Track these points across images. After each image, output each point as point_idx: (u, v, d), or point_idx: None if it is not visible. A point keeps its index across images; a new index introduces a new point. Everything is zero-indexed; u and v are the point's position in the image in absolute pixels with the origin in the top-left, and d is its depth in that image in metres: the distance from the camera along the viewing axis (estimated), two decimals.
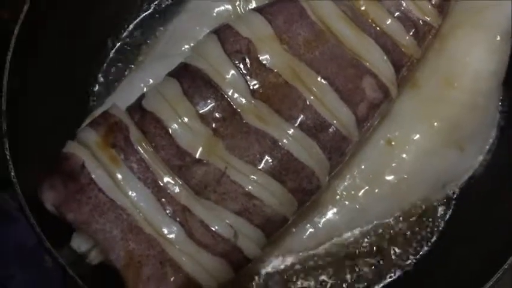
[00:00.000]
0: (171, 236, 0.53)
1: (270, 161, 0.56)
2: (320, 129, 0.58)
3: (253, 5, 0.72)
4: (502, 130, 0.69)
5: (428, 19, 0.62)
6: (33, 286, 0.68)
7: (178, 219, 0.54)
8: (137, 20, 0.75)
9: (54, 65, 0.66)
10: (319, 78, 0.58)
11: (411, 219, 0.67)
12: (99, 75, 0.73)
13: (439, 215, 0.68)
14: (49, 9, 0.64)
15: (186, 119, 0.56)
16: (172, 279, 0.52)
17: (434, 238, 0.67)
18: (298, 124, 0.57)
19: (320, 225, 0.66)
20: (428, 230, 0.67)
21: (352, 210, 0.66)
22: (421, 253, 0.67)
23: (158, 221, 0.53)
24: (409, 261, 0.67)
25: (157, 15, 0.75)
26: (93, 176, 0.54)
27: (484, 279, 0.54)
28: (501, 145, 0.68)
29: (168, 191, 0.54)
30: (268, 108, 0.57)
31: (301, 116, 0.57)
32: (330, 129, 0.58)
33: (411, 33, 0.61)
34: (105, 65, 0.73)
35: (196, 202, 0.54)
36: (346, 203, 0.66)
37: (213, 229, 0.53)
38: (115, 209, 0.53)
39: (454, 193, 0.68)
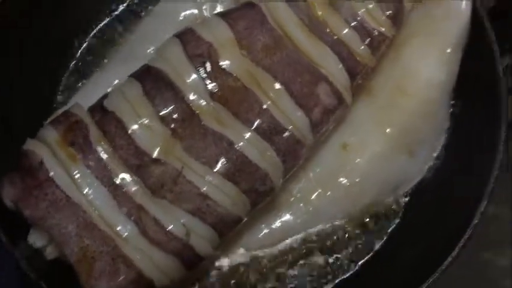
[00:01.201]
0: (125, 233, 0.53)
1: (225, 162, 0.56)
2: (275, 132, 0.58)
3: (219, 9, 0.72)
4: (451, 137, 0.69)
5: (383, 30, 0.62)
6: None
7: (132, 217, 0.54)
8: (104, 22, 0.74)
9: (21, 64, 0.67)
10: (275, 83, 0.59)
11: (363, 221, 0.68)
12: (65, 76, 0.72)
13: (389, 217, 0.69)
14: (15, 10, 0.64)
15: (145, 120, 0.56)
16: (124, 274, 0.52)
17: (384, 239, 0.68)
18: (254, 127, 0.57)
19: (275, 226, 0.66)
20: (379, 231, 0.68)
21: (307, 212, 0.66)
22: (371, 254, 0.67)
23: (113, 218, 0.53)
24: (360, 261, 0.67)
25: (124, 18, 0.74)
26: (50, 173, 0.54)
27: (421, 280, 0.55)
28: (449, 151, 0.69)
29: (124, 189, 0.55)
30: (226, 111, 0.58)
31: (257, 120, 0.58)
32: (285, 133, 0.58)
33: (366, 43, 0.62)
34: (71, 65, 0.72)
35: (152, 201, 0.54)
36: (301, 204, 0.66)
37: (166, 228, 0.54)
38: (71, 205, 0.53)
39: (404, 196, 0.69)
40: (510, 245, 0.78)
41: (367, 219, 0.68)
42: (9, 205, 0.54)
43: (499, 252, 0.78)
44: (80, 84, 0.72)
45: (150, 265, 0.53)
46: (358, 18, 0.62)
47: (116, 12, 0.75)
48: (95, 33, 0.74)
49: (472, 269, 0.76)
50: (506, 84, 0.63)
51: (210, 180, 0.55)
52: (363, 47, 0.62)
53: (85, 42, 0.74)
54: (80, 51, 0.73)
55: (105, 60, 0.73)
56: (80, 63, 0.73)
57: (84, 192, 0.54)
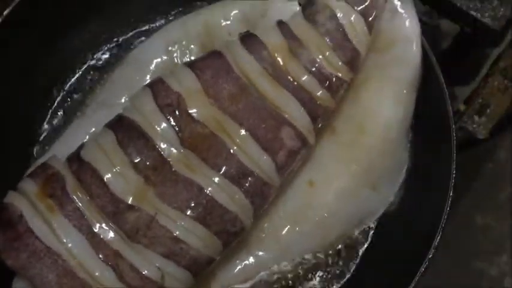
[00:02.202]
0: (103, 279, 0.55)
1: (196, 207, 0.59)
2: (243, 176, 0.61)
3: (188, 57, 0.75)
4: (409, 170, 0.72)
5: (340, 74, 0.65)
6: None
7: (110, 263, 0.56)
8: (82, 69, 0.77)
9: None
10: (241, 129, 0.62)
11: (332, 252, 0.71)
12: (44, 124, 0.74)
13: (357, 247, 0.72)
14: None
15: (119, 168, 0.59)
16: None
17: (352, 268, 0.71)
18: (223, 172, 0.60)
19: (248, 261, 0.68)
20: (347, 261, 0.71)
21: (277, 247, 0.69)
22: (341, 283, 0.70)
23: (91, 265, 0.56)
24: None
25: (100, 66, 0.77)
26: (30, 225, 0.56)
27: None
28: (409, 183, 0.72)
29: (102, 236, 0.57)
30: (195, 157, 0.60)
31: (225, 165, 0.60)
32: (252, 176, 0.61)
33: (325, 87, 0.65)
34: (50, 113, 0.75)
35: (128, 246, 0.57)
36: (271, 240, 0.68)
37: (142, 272, 0.56)
38: (51, 255, 0.56)
39: (369, 228, 0.72)
40: (500, 254, 0.81)
41: (336, 251, 0.71)
42: None
43: (489, 261, 0.81)
44: (60, 132, 0.73)
45: None
46: (317, 65, 0.65)
47: (92, 62, 0.78)
48: (73, 81, 0.77)
49: (465, 278, 0.79)
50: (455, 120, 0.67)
51: (182, 225, 0.58)
52: (321, 91, 0.65)
53: (63, 90, 0.76)
54: (58, 99, 0.76)
55: (84, 107, 0.75)
56: (59, 112, 0.75)
57: (63, 241, 0.56)
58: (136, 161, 0.60)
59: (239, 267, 0.68)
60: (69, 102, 0.76)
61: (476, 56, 0.86)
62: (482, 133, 0.79)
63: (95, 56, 0.78)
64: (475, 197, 0.82)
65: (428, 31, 0.72)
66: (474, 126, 0.78)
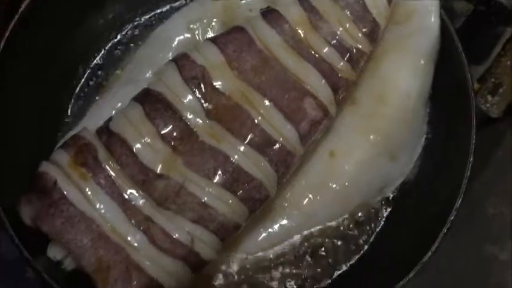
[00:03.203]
0: (135, 243, 0.57)
1: (223, 174, 0.60)
2: (267, 145, 0.62)
3: (210, 34, 0.76)
4: (428, 140, 0.74)
5: (360, 46, 0.66)
6: None
7: (141, 227, 0.58)
8: (107, 48, 0.79)
9: (29, 92, 0.70)
10: (265, 100, 0.63)
11: (353, 221, 0.72)
12: (71, 101, 0.76)
13: (377, 216, 0.73)
14: (24, 39, 0.68)
15: (148, 139, 0.60)
16: (136, 280, 0.56)
17: (372, 237, 0.72)
18: (248, 141, 0.62)
19: (272, 230, 0.70)
20: (368, 230, 0.72)
21: (301, 216, 0.70)
22: (363, 250, 0.72)
23: (124, 229, 0.57)
24: (353, 257, 0.71)
25: (124, 44, 0.79)
26: (64, 192, 0.57)
27: (408, 270, 0.60)
28: (428, 154, 0.73)
29: (133, 202, 0.59)
30: (221, 127, 0.62)
31: (250, 134, 0.62)
32: (276, 145, 0.63)
33: (346, 59, 0.66)
34: (76, 90, 0.76)
35: (158, 212, 0.58)
36: (294, 209, 0.70)
37: (173, 236, 0.57)
38: (85, 220, 0.57)
39: (389, 197, 0.73)
40: (511, 239, 0.81)
41: (357, 219, 0.72)
42: (28, 223, 0.58)
43: (500, 247, 0.81)
44: (86, 108, 0.75)
45: (159, 270, 0.56)
46: (337, 37, 0.66)
47: (116, 40, 0.79)
48: (97, 59, 0.78)
49: (475, 263, 0.80)
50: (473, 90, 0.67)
51: (210, 191, 0.59)
52: (342, 63, 0.66)
53: (88, 68, 0.78)
54: (84, 77, 0.77)
55: (108, 85, 0.77)
56: (85, 89, 0.77)
57: (97, 207, 0.57)
58: (163, 131, 0.61)
59: (263, 235, 0.70)
60: (95, 80, 0.77)
61: (489, 35, 0.85)
62: (495, 112, 0.80)
63: (118, 35, 0.80)
64: (485, 183, 0.83)
65: (441, 8, 0.72)
66: (488, 105, 0.79)
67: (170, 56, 0.74)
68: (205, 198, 0.59)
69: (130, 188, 0.59)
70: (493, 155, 0.85)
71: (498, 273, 0.80)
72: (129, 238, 0.57)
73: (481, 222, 0.82)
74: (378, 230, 0.72)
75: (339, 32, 0.66)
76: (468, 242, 0.80)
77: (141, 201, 0.59)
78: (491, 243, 0.81)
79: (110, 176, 0.59)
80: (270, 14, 0.67)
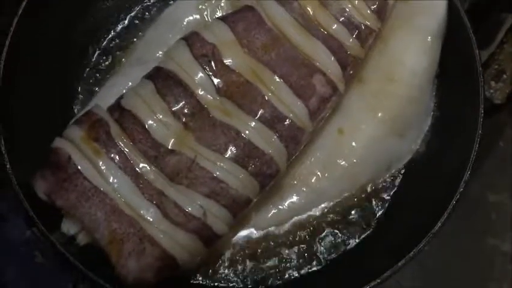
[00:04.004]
0: (149, 216, 0.57)
1: (234, 149, 0.61)
2: (277, 121, 0.62)
3: (218, 14, 0.76)
4: (436, 117, 0.74)
5: (369, 23, 0.66)
6: (25, 280, 0.72)
7: (154, 201, 0.58)
8: (116, 29, 0.78)
9: (42, 72, 0.70)
10: (275, 77, 0.63)
11: (362, 197, 0.72)
12: (82, 81, 0.76)
13: (386, 192, 0.73)
14: (35, 20, 0.68)
15: (160, 115, 0.61)
16: (150, 253, 0.56)
17: (382, 212, 0.72)
18: (258, 117, 0.62)
19: (281, 206, 0.70)
20: (376, 206, 0.72)
21: (309, 193, 0.70)
22: (371, 227, 0.72)
23: (137, 203, 0.58)
24: (362, 234, 0.71)
25: (133, 26, 0.79)
26: (78, 167, 0.58)
27: (418, 240, 0.61)
28: (435, 131, 0.73)
29: (145, 177, 0.59)
30: (232, 103, 0.62)
31: (261, 110, 0.62)
32: (286, 121, 0.63)
33: (354, 36, 0.66)
34: (87, 70, 0.76)
35: (170, 187, 0.59)
36: (303, 186, 0.70)
37: (185, 209, 0.58)
38: (98, 194, 0.58)
39: (397, 173, 0.73)
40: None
41: (366, 195, 0.72)
42: (43, 197, 0.59)
43: (502, 239, 0.81)
44: (96, 88, 0.75)
45: (172, 243, 0.57)
46: (346, 14, 0.66)
47: (125, 21, 0.79)
48: (107, 40, 0.78)
49: (477, 255, 0.80)
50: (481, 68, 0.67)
51: (222, 166, 0.60)
52: (351, 40, 0.66)
53: (98, 48, 0.78)
54: (94, 57, 0.77)
55: (119, 64, 0.77)
56: (96, 69, 0.77)
57: (110, 181, 0.58)
58: (175, 108, 0.61)
59: (273, 211, 0.70)
60: (105, 61, 0.77)
61: (492, 22, 0.85)
62: (499, 98, 0.80)
63: (127, 17, 0.80)
64: (486, 175, 0.82)
65: None
66: (491, 91, 0.79)
67: (179, 36, 0.74)
68: (217, 173, 0.59)
69: (142, 163, 0.59)
70: (494, 146, 0.85)
71: (500, 264, 0.80)
72: (142, 212, 0.57)
73: (482, 214, 0.82)
74: (386, 206, 0.72)
75: (347, 9, 0.66)
76: (469, 234, 0.80)
77: (154, 176, 0.59)
78: (492, 235, 0.81)
79: (123, 151, 0.59)
80: None
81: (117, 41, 0.78)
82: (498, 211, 0.82)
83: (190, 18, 0.76)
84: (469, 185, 0.63)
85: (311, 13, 0.66)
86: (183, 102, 0.62)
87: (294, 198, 0.70)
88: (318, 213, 0.71)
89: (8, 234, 0.74)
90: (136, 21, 0.79)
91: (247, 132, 0.61)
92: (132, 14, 0.80)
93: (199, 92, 0.62)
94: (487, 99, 0.79)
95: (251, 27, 0.65)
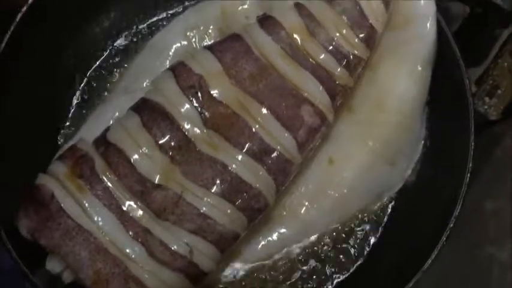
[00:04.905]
0: (134, 255, 0.56)
1: (221, 184, 0.60)
2: (265, 153, 0.61)
3: (207, 41, 0.76)
4: (427, 144, 0.73)
5: (357, 52, 0.65)
6: None
7: (139, 239, 0.57)
8: (104, 57, 0.77)
9: (27, 101, 0.69)
10: (262, 108, 0.62)
11: (352, 228, 0.71)
12: (69, 111, 0.75)
13: (376, 222, 0.72)
14: (20, 48, 0.67)
15: (145, 149, 0.59)
16: None
17: (372, 242, 0.71)
18: (246, 150, 0.61)
19: (271, 238, 0.69)
20: (368, 236, 0.71)
21: (299, 224, 0.69)
22: (362, 258, 0.71)
23: (122, 242, 0.56)
24: (352, 265, 0.70)
25: (120, 53, 0.78)
26: (62, 204, 0.57)
27: (408, 279, 0.59)
28: (427, 157, 0.72)
29: (131, 214, 0.58)
30: (219, 136, 0.61)
31: (248, 143, 0.61)
32: (274, 154, 0.62)
33: (343, 65, 0.65)
34: (74, 100, 0.75)
35: (156, 224, 0.58)
36: (293, 217, 0.69)
37: (171, 247, 0.57)
38: (83, 233, 0.56)
39: (388, 202, 0.72)
40: (510, 239, 0.81)
41: (356, 225, 0.71)
42: (26, 236, 0.57)
43: (499, 247, 0.81)
44: (84, 116, 0.74)
45: (158, 283, 0.56)
46: (334, 43, 0.65)
47: (113, 49, 0.78)
48: (95, 68, 0.77)
49: (475, 263, 0.79)
50: (472, 95, 0.67)
51: (209, 201, 0.59)
52: (340, 69, 0.65)
53: (86, 77, 0.77)
54: (81, 87, 0.76)
55: (106, 94, 0.76)
56: (82, 99, 0.76)
57: (94, 219, 0.57)
58: (161, 141, 0.60)
59: (262, 243, 0.69)
60: (92, 89, 0.76)
61: (486, 38, 0.85)
62: (493, 114, 0.79)
63: (115, 44, 0.79)
64: (484, 183, 0.82)
65: (438, 13, 0.71)
66: (485, 107, 0.79)
67: (167, 64, 0.74)
68: (204, 209, 0.58)
69: (128, 200, 0.58)
70: (492, 155, 0.85)
71: (498, 273, 0.80)
72: (127, 250, 0.56)
73: (480, 223, 0.81)
74: (377, 236, 0.71)
75: (336, 38, 0.65)
76: (467, 243, 0.79)
77: (139, 213, 0.58)
78: (490, 244, 0.81)
79: (108, 187, 0.58)
80: (266, 21, 0.66)
81: (105, 68, 0.77)
82: (495, 219, 0.81)
83: (178, 45, 0.76)
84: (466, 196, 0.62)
85: (299, 42, 0.65)
86: (170, 136, 0.60)
87: (284, 230, 0.69)
88: (308, 245, 0.70)
89: None
90: (124, 49, 0.78)
91: (234, 166, 0.60)
92: (120, 41, 0.79)
93: (186, 125, 0.61)
94: (482, 116, 0.79)
95: (238, 57, 0.64)
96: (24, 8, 0.67)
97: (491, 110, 0.80)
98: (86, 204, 0.57)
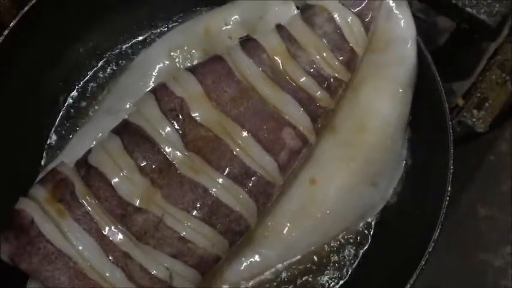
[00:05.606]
0: (113, 280, 0.56)
1: (202, 207, 0.60)
2: (246, 176, 0.62)
3: (190, 61, 0.76)
4: (408, 166, 0.74)
5: (338, 75, 0.66)
6: None
7: (119, 264, 0.57)
8: (87, 77, 0.78)
9: (8, 123, 0.70)
10: (243, 131, 0.63)
11: (335, 249, 0.72)
12: (52, 132, 0.75)
13: (359, 242, 0.72)
14: (3, 67, 0.68)
15: (126, 172, 0.60)
16: None
17: (356, 262, 0.71)
18: (227, 173, 0.61)
19: (253, 259, 0.69)
20: (351, 256, 0.72)
21: (281, 245, 0.69)
22: (345, 278, 0.71)
23: (101, 266, 0.57)
24: (336, 285, 0.71)
25: (106, 72, 0.79)
26: (41, 229, 0.57)
27: None
28: (408, 177, 0.73)
29: (111, 238, 0.58)
30: (200, 159, 0.62)
31: (229, 166, 0.62)
32: (255, 177, 0.62)
33: (324, 88, 0.66)
34: (57, 121, 0.76)
35: (136, 248, 0.58)
36: (275, 238, 0.69)
37: (151, 272, 0.57)
38: (62, 257, 0.57)
39: (370, 222, 0.73)
40: (504, 245, 0.81)
41: (339, 245, 0.72)
42: (6, 260, 0.58)
43: (494, 254, 0.81)
44: (68, 137, 0.75)
45: None
46: (315, 66, 0.66)
47: (96, 69, 0.79)
48: (78, 88, 0.78)
49: (469, 270, 0.80)
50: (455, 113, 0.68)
51: (189, 225, 0.59)
52: (320, 91, 0.66)
53: (69, 98, 0.77)
54: (64, 108, 0.77)
55: (90, 114, 0.76)
56: (66, 119, 0.76)
57: (74, 244, 0.57)
58: (142, 164, 0.61)
59: (245, 264, 0.69)
60: (75, 110, 0.77)
61: (473, 51, 0.86)
62: (481, 127, 0.80)
63: (98, 64, 0.80)
64: (477, 189, 0.83)
65: (425, 27, 0.73)
66: (473, 120, 0.79)
67: (151, 84, 0.75)
68: (184, 233, 0.59)
69: (108, 224, 0.58)
70: (485, 161, 0.86)
71: (492, 280, 0.80)
72: (107, 275, 0.57)
73: (473, 230, 0.82)
74: (359, 256, 0.72)
75: (316, 61, 0.66)
76: (462, 250, 0.80)
77: (120, 237, 0.58)
78: (485, 251, 0.81)
79: (88, 211, 0.59)
80: (248, 44, 0.67)
81: (88, 89, 0.78)
82: (489, 225, 0.82)
83: (161, 65, 0.76)
84: (458, 200, 0.62)
85: (280, 65, 0.66)
86: (151, 159, 0.61)
87: (266, 250, 0.70)
88: (290, 265, 0.70)
89: None
90: (108, 69, 0.79)
91: (214, 189, 0.60)
92: (103, 60, 0.80)
93: (167, 148, 0.61)
94: (469, 127, 0.79)
95: (220, 80, 0.65)
96: (6, 32, 0.67)
97: (479, 122, 0.81)
98: (66, 229, 0.57)
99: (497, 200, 0.83)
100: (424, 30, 0.73)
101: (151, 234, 0.59)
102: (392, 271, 0.67)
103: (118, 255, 0.57)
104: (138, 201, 0.60)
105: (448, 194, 0.62)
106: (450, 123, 0.65)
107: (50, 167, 0.65)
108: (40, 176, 0.63)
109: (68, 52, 0.77)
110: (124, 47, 0.81)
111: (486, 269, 0.81)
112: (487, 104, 0.81)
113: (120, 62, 0.80)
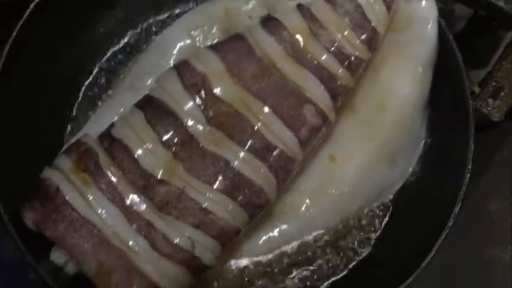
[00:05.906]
0: (137, 247, 0.57)
1: (223, 180, 0.61)
2: (267, 151, 0.63)
3: (210, 40, 0.77)
4: (427, 146, 0.75)
5: (359, 54, 0.67)
6: None
7: (143, 232, 0.58)
8: (107, 56, 0.79)
9: (32, 99, 0.71)
10: (265, 107, 0.64)
11: (352, 227, 0.73)
12: (74, 108, 0.77)
13: (376, 221, 0.73)
14: (26, 44, 0.69)
15: (149, 145, 0.61)
16: (137, 285, 0.57)
17: (373, 241, 0.72)
18: (248, 147, 0.62)
19: (271, 234, 0.70)
20: (368, 234, 0.73)
21: (299, 221, 0.71)
22: (362, 255, 0.72)
23: (125, 234, 0.58)
24: (352, 263, 0.72)
25: (126, 51, 0.80)
26: (66, 197, 0.58)
27: (407, 276, 0.61)
28: (427, 157, 0.74)
29: (134, 208, 0.59)
30: (221, 133, 0.63)
31: (250, 140, 0.63)
32: (276, 151, 0.63)
33: (345, 66, 0.67)
34: (79, 97, 0.77)
35: (159, 217, 0.59)
36: (294, 214, 0.70)
37: (173, 241, 0.58)
38: (87, 225, 0.58)
39: (389, 201, 0.74)
40: None
41: (356, 224, 0.73)
42: (32, 227, 0.59)
43: (504, 248, 0.81)
44: (89, 114, 0.76)
45: (160, 275, 0.57)
46: (336, 44, 0.67)
47: (117, 48, 0.80)
48: (98, 67, 0.79)
49: (479, 264, 0.80)
50: (474, 96, 0.68)
51: (211, 197, 0.60)
52: (341, 70, 0.66)
53: (91, 76, 0.78)
54: (86, 85, 0.78)
55: (110, 92, 0.78)
56: (87, 96, 0.77)
57: (98, 212, 0.58)
58: (164, 138, 0.62)
59: (263, 239, 0.70)
60: (97, 86, 0.78)
61: (490, 39, 0.86)
62: (496, 116, 0.81)
63: (120, 42, 0.81)
64: (487, 183, 0.83)
65: (442, 15, 0.73)
66: (489, 109, 0.80)
67: (171, 62, 0.75)
68: (206, 204, 0.60)
69: (131, 193, 0.60)
70: (496, 156, 0.86)
71: (501, 274, 0.81)
72: (130, 243, 0.58)
73: (484, 224, 0.82)
74: (377, 234, 0.73)
75: (337, 40, 0.67)
76: (471, 244, 0.80)
77: (142, 207, 0.59)
78: (494, 245, 0.81)
79: (112, 181, 0.60)
80: (269, 22, 0.68)
81: (110, 67, 0.79)
82: (499, 219, 0.82)
83: (182, 44, 0.77)
84: (468, 194, 0.63)
85: (301, 43, 0.67)
86: (173, 132, 0.62)
87: (285, 226, 0.71)
88: (308, 241, 0.71)
89: (1, 252, 0.74)
90: (129, 48, 0.80)
91: (236, 162, 0.61)
92: (125, 39, 0.80)
93: (189, 122, 0.62)
94: (485, 116, 0.80)
95: (241, 57, 0.66)
96: (28, 10, 0.68)
97: (495, 111, 0.81)
98: (90, 198, 0.59)
99: (508, 194, 0.83)
100: (442, 17, 0.73)
101: (173, 205, 0.60)
102: (410, 249, 0.68)
103: (141, 224, 0.59)
104: (161, 173, 0.61)
105: (469, 171, 0.63)
106: (471, 101, 0.65)
107: (74, 139, 0.66)
108: (64, 148, 0.64)
109: (89, 30, 0.78)
110: (145, 25, 0.81)
111: (495, 263, 0.81)
112: (502, 93, 0.82)
113: (141, 40, 0.81)
